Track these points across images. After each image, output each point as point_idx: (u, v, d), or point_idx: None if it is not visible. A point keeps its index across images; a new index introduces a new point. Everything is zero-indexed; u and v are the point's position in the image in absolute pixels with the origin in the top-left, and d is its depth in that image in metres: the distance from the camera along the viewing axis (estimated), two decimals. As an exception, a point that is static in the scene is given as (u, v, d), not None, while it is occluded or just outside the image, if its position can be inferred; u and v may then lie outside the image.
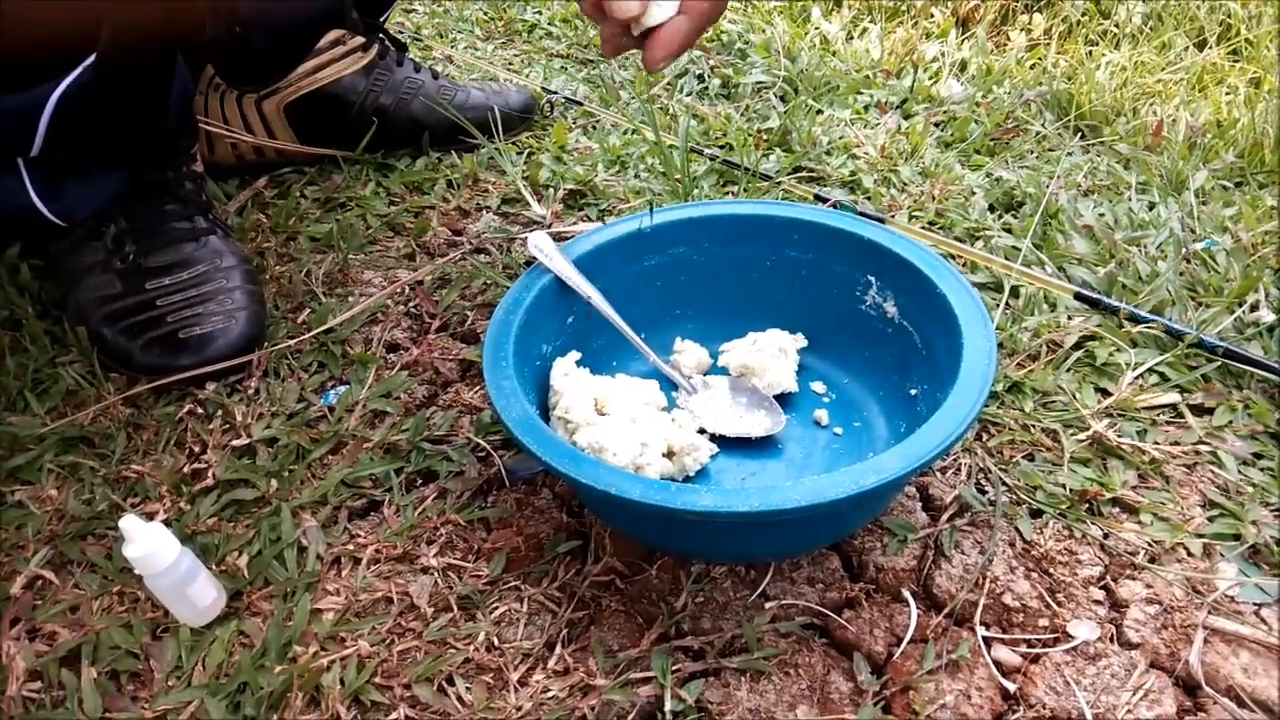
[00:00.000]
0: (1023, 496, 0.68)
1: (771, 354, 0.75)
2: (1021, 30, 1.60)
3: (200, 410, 0.78)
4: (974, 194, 1.04)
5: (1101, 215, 0.98)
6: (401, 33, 1.53)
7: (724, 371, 0.77)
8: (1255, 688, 0.56)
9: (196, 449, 0.75)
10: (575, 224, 1.01)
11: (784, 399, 0.75)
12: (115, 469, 0.73)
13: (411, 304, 0.91)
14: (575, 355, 0.72)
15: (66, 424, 0.77)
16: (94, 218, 0.86)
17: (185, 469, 0.73)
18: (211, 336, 0.81)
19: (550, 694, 0.57)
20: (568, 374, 0.70)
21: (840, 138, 1.16)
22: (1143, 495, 0.68)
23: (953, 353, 0.63)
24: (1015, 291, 0.87)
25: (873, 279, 0.74)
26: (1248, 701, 0.55)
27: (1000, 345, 0.79)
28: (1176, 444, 0.72)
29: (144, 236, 0.86)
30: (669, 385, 0.76)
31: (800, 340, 0.78)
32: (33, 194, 0.84)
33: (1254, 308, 0.83)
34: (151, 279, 0.84)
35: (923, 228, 0.97)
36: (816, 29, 1.50)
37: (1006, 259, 0.91)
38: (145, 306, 0.83)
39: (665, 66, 0.66)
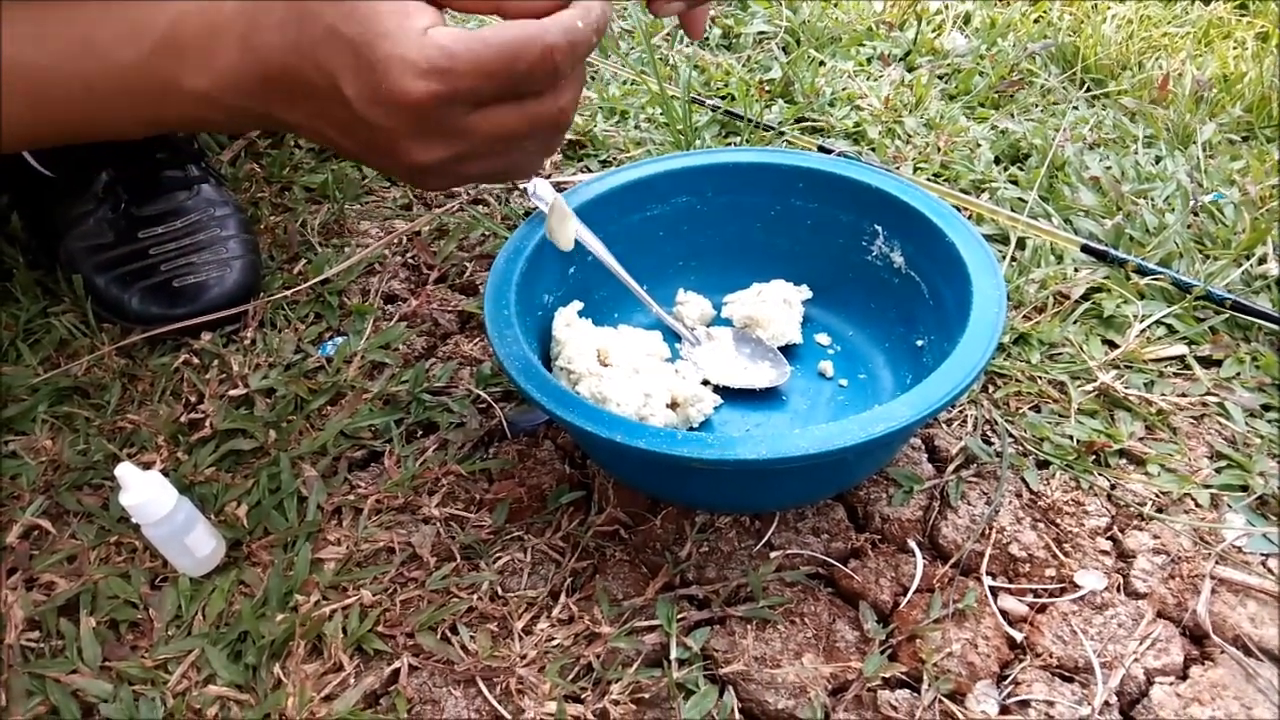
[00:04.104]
0: (1029, 448, 0.68)
1: (776, 305, 0.74)
2: (1026, -17, 1.57)
3: (196, 360, 0.77)
4: (979, 146, 1.02)
5: (1108, 168, 0.97)
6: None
7: (728, 323, 0.76)
8: (1262, 637, 0.56)
9: (193, 399, 0.74)
10: (575, 174, 0.99)
11: (788, 351, 0.74)
12: (111, 419, 0.72)
13: (409, 255, 0.90)
14: (577, 305, 0.71)
15: (60, 374, 0.76)
16: (83, 167, 0.84)
17: (182, 419, 0.72)
18: (206, 285, 0.79)
19: (555, 642, 0.56)
20: (570, 324, 0.69)
21: (843, 89, 1.14)
22: (1150, 446, 0.67)
23: (961, 302, 0.62)
24: (1022, 243, 0.86)
25: (879, 228, 0.72)
26: (1255, 650, 0.55)
27: (1007, 297, 0.79)
28: (1184, 396, 0.71)
29: (135, 185, 0.84)
30: (672, 337, 0.75)
31: (805, 291, 0.77)
32: None
33: (1262, 260, 0.82)
34: (144, 228, 0.82)
35: (928, 179, 0.96)
36: (818, -20, 1.47)
37: (1013, 211, 0.89)
38: (138, 255, 0.81)
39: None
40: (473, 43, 0.44)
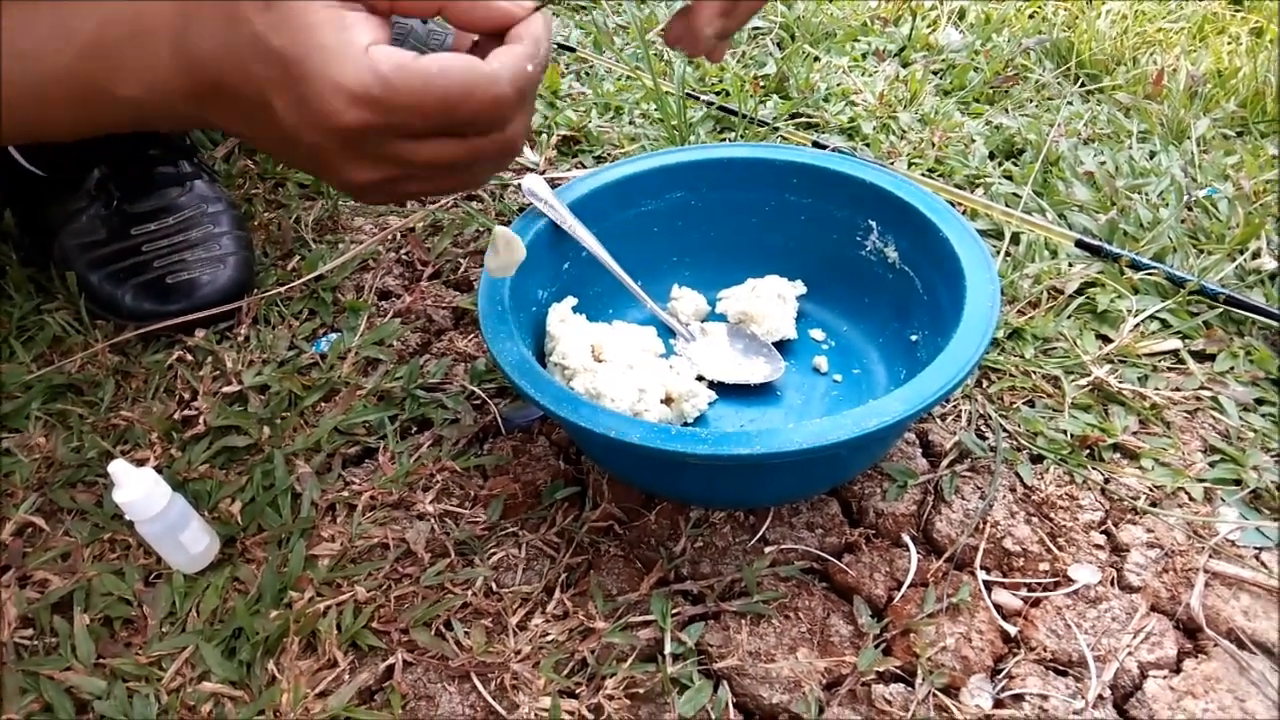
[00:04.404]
0: (1023, 442, 0.68)
1: (770, 300, 0.74)
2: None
3: (190, 357, 0.77)
4: (974, 141, 1.02)
5: (1102, 163, 0.97)
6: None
7: (722, 318, 0.76)
8: (1255, 630, 0.56)
9: (187, 396, 0.74)
10: (569, 170, 0.99)
11: (783, 346, 0.74)
12: (104, 416, 0.72)
13: (403, 251, 0.90)
14: (571, 301, 0.71)
15: (53, 371, 0.75)
16: (75, 165, 0.84)
17: (176, 416, 0.72)
18: (199, 282, 0.79)
19: (550, 637, 0.56)
20: (564, 320, 0.69)
21: (838, 84, 1.14)
22: (1144, 441, 0.67)
23: (955, 297, 0.62)
24: (1016, 238, 0.86)
25: (873, 223, 0.72)
26: (1248, 643, 0.55)
27: (1001, 292, 0.79)
28: (1178, 390, 0.71)
29: (127, 182, 0.83)
30: (666, 332, 0.75)
31: (799, 287, 0.77)
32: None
33: (1255, 255, 0.82)
34: (136, 225, 0.82)
35: (923, 175, 0.96)
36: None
37: (1007, 206, 0.89)
38: (131, 252, 0.81)
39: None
40: (413, 79, 0.41)
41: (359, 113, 0.41)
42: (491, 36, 0.46)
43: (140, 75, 0.45)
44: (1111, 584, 0.59)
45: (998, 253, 0.84)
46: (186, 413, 0.72)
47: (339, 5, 0.42)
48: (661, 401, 0.66)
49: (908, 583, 0.59)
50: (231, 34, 0.42)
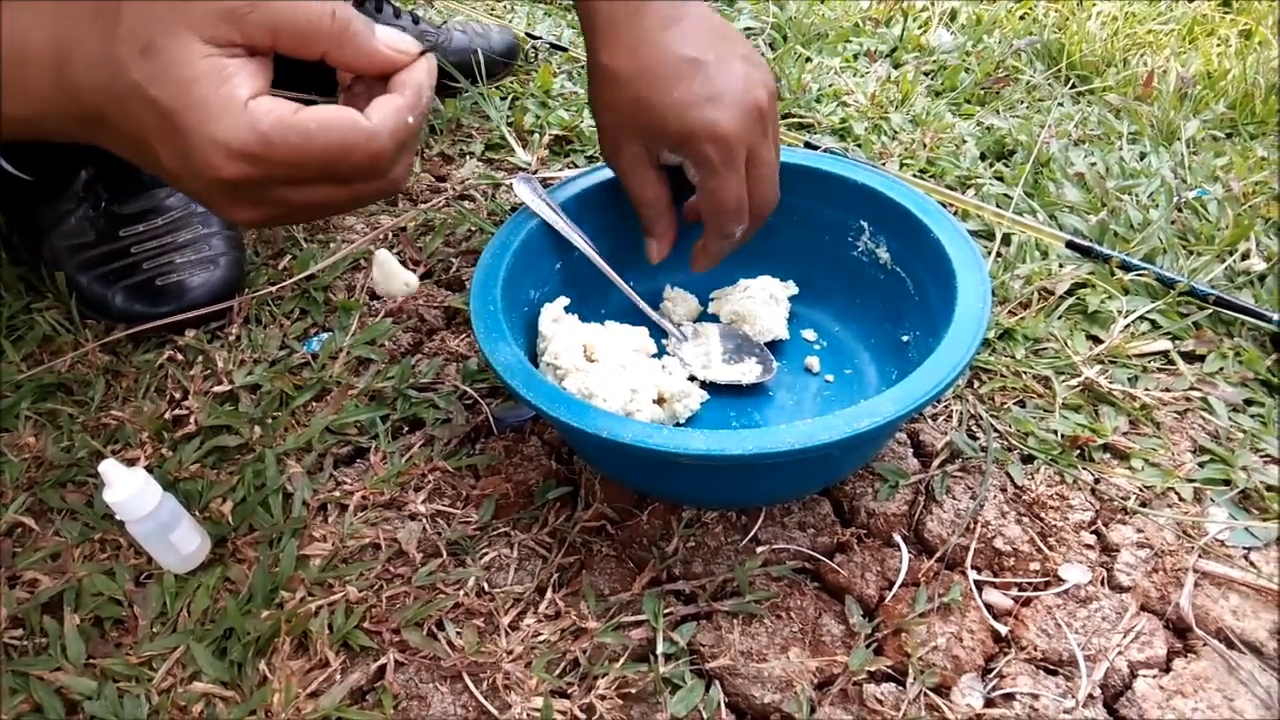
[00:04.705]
0: (1014, 442, 0.68)
1: (762, 301, 0.74)
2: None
3: (180, 357, 0.77)
4: (965, 142, 1.03)
5: (1093, 164, 0.97)
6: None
7: (714, 319, 0.76)
8: (1244, 629, 0.56)
9: (177, 395, 0.73)
10: (561, 170, 0.99)
11: (775, 346, 0.74)
12: (95, 416, 0.72)
13: (395, 250, 0.89)
14: (564, 301, 0.71)
15: (44, 370, 0.75)
16: (61, 167, 0.83)
17: (166, 415, 0.71)
18: (190, 283, 0.79)
19: (542, 637, 0.56)
20: (556, 320, 0.69)
21: (830, 85, 1.14)
22: (1134, 441, 0.68)
23: (946, 297, 0.62)
24: (1007, 239, 0.87)
25: (865, 224, 0.73)
26: (1237, 643, 0.55)
27: (992, 292, 0.79)
28: (1167, 390, 0.72)
29: (115, 183, 0.83)
30: (659, 333, 0.75)
31: (791, 287, 0.77)
32: None
33: (1245, 256, 0.83)
34: (125, 226, 0.82)
35: (914, 176, 0.96)
36: (805, -24, 1.48)
37: (998, 207, 0.90)
38: (120, 254, 0.81)
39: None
40: (291, 134, 0.42)
41: (238, 166, 0.42)
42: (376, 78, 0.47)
43: (27, 98, 0.44)
44: (1102, 584, 0.59)
45: (989, 253, 0.85)
46: (177, 412, 0.72)
47: (219, 53, 0.41)
48: (654, 402, 0.66)
49: (899, 582, 0.59)
50: (113, 75, 0.42)
